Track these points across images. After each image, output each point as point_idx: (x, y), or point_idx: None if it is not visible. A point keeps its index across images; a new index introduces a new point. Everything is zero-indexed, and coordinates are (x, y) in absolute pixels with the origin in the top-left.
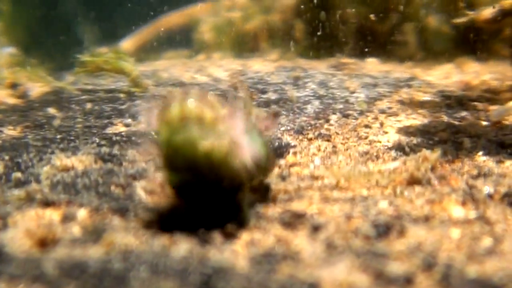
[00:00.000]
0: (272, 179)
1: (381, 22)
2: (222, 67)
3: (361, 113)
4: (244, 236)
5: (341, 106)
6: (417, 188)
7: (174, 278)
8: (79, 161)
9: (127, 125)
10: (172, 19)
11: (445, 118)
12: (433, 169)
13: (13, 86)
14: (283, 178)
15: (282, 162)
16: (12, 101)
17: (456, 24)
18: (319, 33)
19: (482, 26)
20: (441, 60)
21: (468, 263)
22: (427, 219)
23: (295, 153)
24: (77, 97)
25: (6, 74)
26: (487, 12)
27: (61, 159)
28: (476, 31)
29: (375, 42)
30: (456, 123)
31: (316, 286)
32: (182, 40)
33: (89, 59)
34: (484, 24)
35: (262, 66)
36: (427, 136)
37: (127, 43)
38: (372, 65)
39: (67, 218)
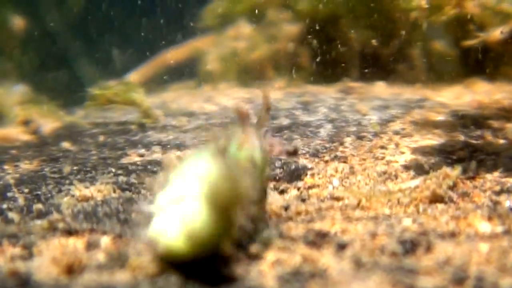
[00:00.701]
0: (292, 201)
1: (386, 46)
2: (229, 96)
3: (375, 134)
4: (269, 256)
5: (354, 128)
6: (440, 206)
7: None
8: (98, 191)
9: (141, 155)
10: (176, 52)
11: (461, 137)
12: (454, 186)
13: (26, 123)
14: (303, 200)
15: (300, 184)
16: (25, 137)
17: (466, 47)
18: (324, 60)
19: (492, 48)
20: (449, 82)
21: (500, 275)
22: (453, 235)
23: (312, 175)
24: (89, 130)
25: (18, 112)
26: (498, 34)
27: (80, 190)
28: (484, 53)
29: (381, 66)
30: (473, 141)
31: None
32: (187, 72)
33: (99, 92)
34: (495, 45)
35: (271, 93)
36: (445, 155)
37: (133, 77)
38: (380, 88)
39: (91, 245)
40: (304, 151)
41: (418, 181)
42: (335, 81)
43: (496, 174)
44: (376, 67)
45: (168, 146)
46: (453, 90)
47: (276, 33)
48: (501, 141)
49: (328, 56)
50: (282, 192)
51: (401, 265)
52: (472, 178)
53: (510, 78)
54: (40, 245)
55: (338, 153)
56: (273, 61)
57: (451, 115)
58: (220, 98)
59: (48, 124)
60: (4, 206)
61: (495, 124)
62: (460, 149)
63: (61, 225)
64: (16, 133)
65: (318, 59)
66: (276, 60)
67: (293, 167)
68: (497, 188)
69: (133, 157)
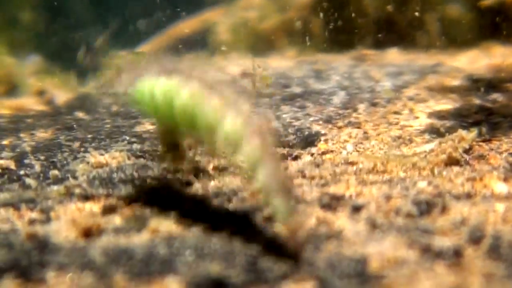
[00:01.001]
0: (306, 167)
1: (400, 12)
2: (240, 66)
3: (389, 101)
4: None
5: (367, 95)
6: (456, 168)
7: (219, 261)
8: (112, 158)
9: (154, 123)
10: (187, 24)
11: (476, 101)
12: (470, 149)
13: (40, 93)
14: (317, 165)
15: (313, 150)
16: (39, 107)
17: (483, 7)
18: (337, 27)
19: (509, 9)
20: (465, 46)
21: None
22: (469, 196)
23: (326, 141)
24: (102, 100)
25: (32, 82)
26: None
27: (95, 157)
28: (501, 15)
29: (395, 32)
30: (489, 105)
31: (363, 262)
32: (198, 44)
33: (109, 62)
34: None
35: (281, 62)
36: (460, 118)
37: (145, 48)
38: (394, 55)
39: (108, 210)
40: (317, 118)
41: (433, 144)
42: (348, 49)
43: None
44: (390, 33)
45: None
46: (468, 55)
47: (288, 2)
48: None
49: (341, 23)
50: (295, 158)
51: (417, 226)
52: (488, 141)
53: None
54: (57, 209)
55: (352, 119)
56: (285, 30)
57: (466, 80)
58: (231, 68)
59: (62, 94)
60: (22, 172)
61: (511, 87)
62: (475, 113)
63: (77, 190)
64: (31, 103)
65: (330, 27)
66: (287, 29)
67: (306, 133)
68: None
69: (146, 126)
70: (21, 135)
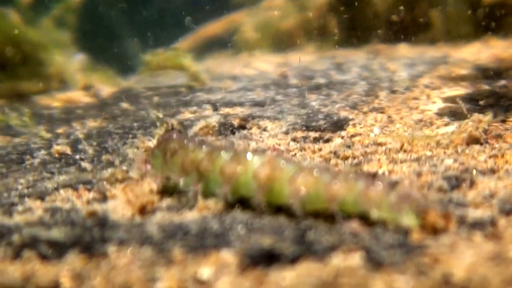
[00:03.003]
0: (339, 148)
1: (408, 10)
2: (266, 61)
3: (407, 88)
4: None
5: (386, 84)
6: (476, 147)
7: (270, 234)
8: None
9: (193, 112)
10: (214, 26)
11: (486, 87)
12: (487, 130)
13: (86, 88)
14: (348, 146)
15: (343, 133)
16: (87, 100)
17: (486, 4)
18: (351, 26)
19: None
20: (467, 40)
21: None
22: (493, 171)
23: (354, 125)
24: (144, 93)
25: (80, 78)
26: None
27: (143, 142)
28: (500, 10)
29: (404, 29)
30: (498, 90)
31: (404, 234)
32: (226, 43)
33: (151, 58)
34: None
35: (303, 57)
36: (474, 103)
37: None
38: (404, 50)
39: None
40: (343, 105)
41: (453, 127)
42: (361, 45)
43: None
44: (400, 30)
45: (218, 104)
46: (472, 48)
47: (306, 3)
48: None
49: (355, 22)
50: (327, 141)
51: (450, 199)
52: (503, 122)
53: None
54: (112, 190)
55: (375, 105)
56: (304, 29)
57: (474, 69)
58: (257, 64)
59: (106, 88)
60: (77, 157)
61: None
62: (487, 97)
63: (131, 173)
64: (79, 96)
65: (345, 26)
66: (306, 27)
67: (335, 118)
68: None
69: (186, 114)
70: (73, 124)
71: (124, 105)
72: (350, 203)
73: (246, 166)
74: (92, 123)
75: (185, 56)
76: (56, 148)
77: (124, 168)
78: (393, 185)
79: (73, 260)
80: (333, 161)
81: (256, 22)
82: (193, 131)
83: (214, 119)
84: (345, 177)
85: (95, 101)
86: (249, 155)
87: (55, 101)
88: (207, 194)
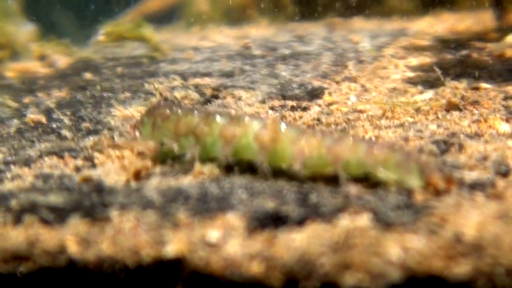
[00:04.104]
0: (320, 115)
1: None
2: (223, 35)
3: (374, 58)
4: None
5: (353, 54)
6: (456, 113)
7: (273, 198)
8: (137, 112)
9: (161, 83)
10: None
11: (450, 56)
12: (464, 96)
13: (41, 58)
14: (328, 114)
15: (320, 102)
16: (44, 70)
17: None
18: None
19: None
20: (418, 14)
21: None
22: (478, 135)
23: (330, 93)
24: (104, 64)
25: (34, 48)
26: None
27: (120, 110)
28: None
29: (358, 3)
30: (463, 59)
31: (408, 195)
32: (170, 17)
33: (111, 29)
34: None
35: (261, 31)
36: (443, 71)
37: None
38: (360, 23)
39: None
40: (314, 74)
41: (430, 93)
42: (315, 19)
43: (495, 84)
44: (353, 4)
45: (185, 74)
46: (425, 21)
47: None
48: (486, 58)
49: None
50: (304, 109)
51: (443, 162)
52: (476, 89)
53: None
54: (99, 157)
55: (346, 75)
56: (256, 2)
57: (434, 40)
58: (215, 36)
59: (62, 58)
60: (54, 125)
61: (477, 44)
62: (454, 66)
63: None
64: (35, 66)
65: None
66: (259, 0)
67: (309, 87)
68: (501, 95)
69: (155, 85)
70: (39, 94)
71: (87, 75)
72: (355, 164)
73: (246, 128)
74: (58, 93)
75: (145, 27)
76: (31, 117)
77: (109, 135)
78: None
79: (76, 224)
80: (317, 127)
81: None
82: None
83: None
84: (347, 139)
85: (53, 72)
86: (247, 118)
87: (8, 71)
88: (203, 159)
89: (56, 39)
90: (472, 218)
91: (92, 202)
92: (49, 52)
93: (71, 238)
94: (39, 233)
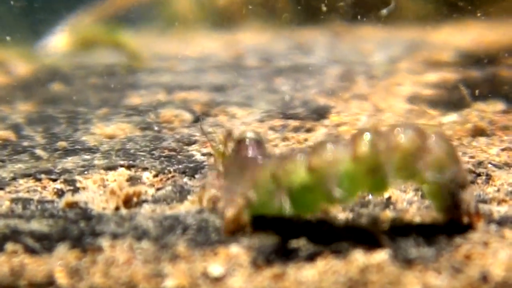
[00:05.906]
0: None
1: None
2: (210, 40)
3: (387, 73)
4: None
5: (362, 68)
6: (483, 139)
7: None
8: (120, 129)
9: (142, 96)
10: None
11: (476, 74)
12: (491, 120)
13: None
14: (336, 136)
15: (326, 122)
16: (1, 78)
17: None
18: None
19: None
20: (439, 23)
21: None
22: (508, 165)
23: (337, 113)
24: (75, 72)
25: None
26: None
27: (100, 128)
28: None
29: (368, 9)
30: (491, 77)
31: None
32: (140, 17)
33: (81, 33)
34: None
35: (253, 37)
36: (469, 90)
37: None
38: (369, 31)
39: (134, 180)
40: (318, 91)
41: (455, 116)
42: (317, 24)
43: None
44: (363, 10)
45: (169, 87)
46: (446, 30)
47: None
48: None
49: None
50: (309, 130)
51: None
52: (507, 112)
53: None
54: (81, 180)
55: (355, 92)
56: (247, 4)
57: (457, 53)
58: (200, 42)
59: (21, 65)
60: (25, 143)
61: (508, 61)
62: (480, 84)
63: (96, 162)
64: None
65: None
66: (249, 4)
67: (314, 105)
68: None
69: (134, 99)
70: (0, 107)
71: (56, 86)
72: None
73: None
74: (24, 107)
75: (119, 32)
76: None
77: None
78: None
79: (65, 254)
80: None
81: None
82: None
83: None
84: None
85: (11, 81)
86: None
87: None
88: None
89: (12, 42)
90: (500, 257)
91: (81, 230)
92: (4, 57)
93: (60, 269)
94: (24, 263)
